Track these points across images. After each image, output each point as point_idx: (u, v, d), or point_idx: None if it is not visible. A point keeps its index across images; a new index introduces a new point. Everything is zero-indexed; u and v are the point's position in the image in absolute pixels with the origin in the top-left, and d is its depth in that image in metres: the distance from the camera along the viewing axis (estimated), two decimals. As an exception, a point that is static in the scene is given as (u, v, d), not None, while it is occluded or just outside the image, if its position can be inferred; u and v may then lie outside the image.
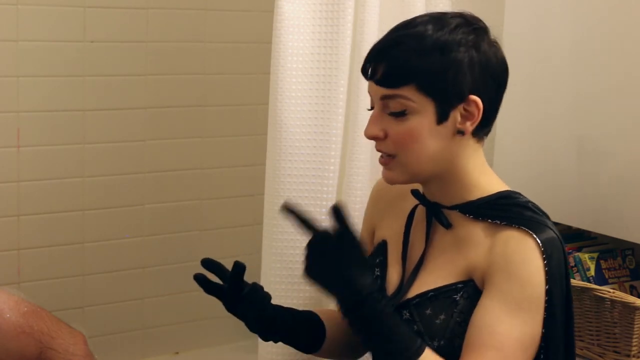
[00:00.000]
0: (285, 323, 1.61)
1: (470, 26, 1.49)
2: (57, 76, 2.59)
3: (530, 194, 1.56)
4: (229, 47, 2.86)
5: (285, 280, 1.87)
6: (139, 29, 2.69)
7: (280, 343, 1.66)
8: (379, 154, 1.53)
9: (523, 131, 2.19)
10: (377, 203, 1.71)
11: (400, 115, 1.47)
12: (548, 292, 1.43)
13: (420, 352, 1.38)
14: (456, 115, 1.47)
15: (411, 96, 1.45)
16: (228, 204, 2.93)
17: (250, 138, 2.91)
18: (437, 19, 1.49)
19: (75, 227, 2.67)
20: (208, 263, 1.56)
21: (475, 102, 1.46)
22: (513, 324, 1.41)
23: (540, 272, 1.42)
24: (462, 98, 1.46)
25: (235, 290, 1.56)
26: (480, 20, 1.53)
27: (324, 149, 1.87)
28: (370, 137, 1.52)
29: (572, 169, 2.07)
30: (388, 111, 1.48)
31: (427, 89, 1.45)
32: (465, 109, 1.47)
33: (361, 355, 1.77)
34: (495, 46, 1.51)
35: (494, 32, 1.53)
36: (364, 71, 1.52)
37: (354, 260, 1.40)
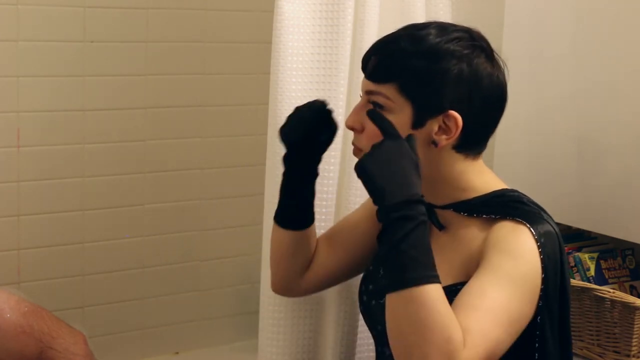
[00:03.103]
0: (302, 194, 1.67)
1: (471, 42, 1.47)
2: (57, 76, 2.59)
3: (531, 194, 1.56)
4: (229, 47, 2.86)
5: (286, 280, 1.87)
6: (139, 29, 2.69)
7: (280, 343, 1.65)
8: None
9: (523, 131, 2.19)
10: None
11: (379, 109, 1.47)
12: (544, 281, 1.41)
13: (433, 280, 1.29)
14: (433, 125, 1.45)
15: (391, 95, 1.46)
16: (228, 204, 2.93)
17: (250, 138, 2.91)
18: (441, 28, 1.48)
19: (75, 227, 2.67)
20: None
21: (455, 119, 1.44)
22: (503, 292, 1.37)
23: (535, 253, 1.40)
24: (442, 110, 1.44)
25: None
26: (485, 39, 1.51)
27: (324, 149, 1.86)
28: (349, 127, 1.53)
29: (572, 169, 2.07)
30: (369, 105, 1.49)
31: (408, 91, 1.45)
32: (444, 122, 1.45)
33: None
34: (494, 68, 1.48)
35: (493, 33, 1.52)
36: (361, 63, 1.52)
37: (416, 168, 1.36)
